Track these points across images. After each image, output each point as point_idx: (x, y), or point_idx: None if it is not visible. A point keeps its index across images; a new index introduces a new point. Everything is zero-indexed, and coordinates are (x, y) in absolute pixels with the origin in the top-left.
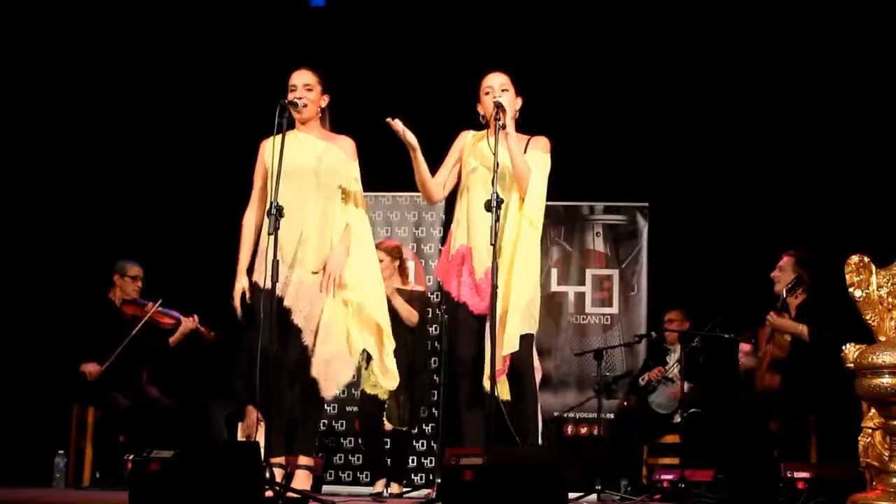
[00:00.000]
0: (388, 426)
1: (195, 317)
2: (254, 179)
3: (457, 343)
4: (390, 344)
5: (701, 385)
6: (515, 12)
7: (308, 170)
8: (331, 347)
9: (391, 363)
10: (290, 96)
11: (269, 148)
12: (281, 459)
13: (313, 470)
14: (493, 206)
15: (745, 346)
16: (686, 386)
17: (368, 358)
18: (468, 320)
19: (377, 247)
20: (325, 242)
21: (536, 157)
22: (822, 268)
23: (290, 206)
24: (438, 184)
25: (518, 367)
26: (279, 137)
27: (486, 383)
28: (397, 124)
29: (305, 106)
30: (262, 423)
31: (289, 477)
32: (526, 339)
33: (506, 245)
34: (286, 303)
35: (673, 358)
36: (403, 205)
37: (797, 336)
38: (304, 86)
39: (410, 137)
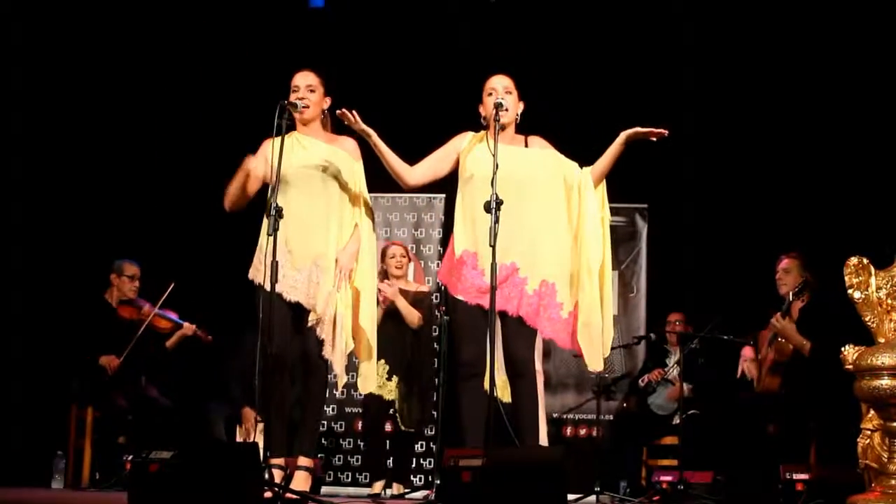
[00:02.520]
0: (389, 427)
1: (194, 326)
2: (246, 160)
3: (464, 343)
4: (367, 350)
5: (700, 386)
6: (515, 12)
7: (314, 175)
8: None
9: (368, 369)
10: (293, 97)
11: (270, 147)
12: (280, 461)
13: (312, 471)
14: (493, 206)
15: (747, 352)
16: (686, 388)
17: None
18: (481, 322)
19: (395, 244)
20: (339, 244)
21: (555, 155)
22: (823, 269)
23: (299, 212)
24: (413, 169)
25: (517, 367)
26: (279, 138)
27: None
28: (349, 116)
29: (307, 107)
30: (261, 424)
31: (288, 478)
32: (528, 340)
33: (595, 250)
34: (298, 302)
35: (672, 359)
36: (402, 206)
37: (797, 348)
38: (307, 87)
39: (364, 126)
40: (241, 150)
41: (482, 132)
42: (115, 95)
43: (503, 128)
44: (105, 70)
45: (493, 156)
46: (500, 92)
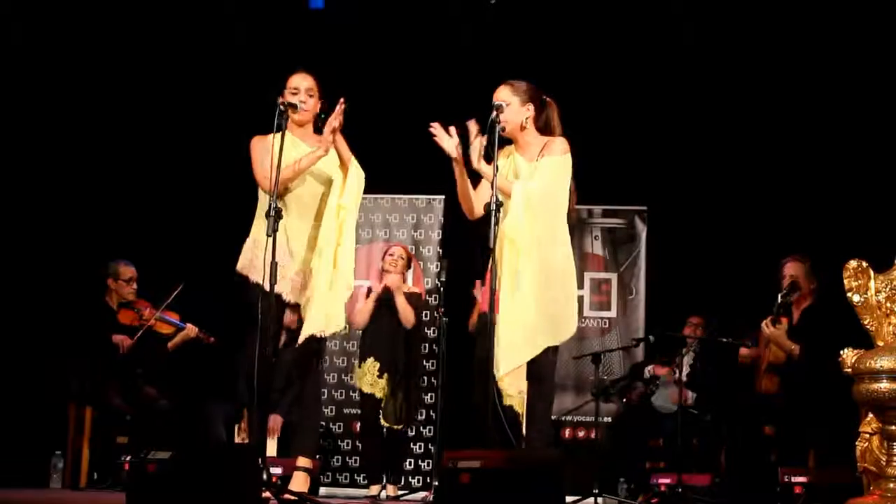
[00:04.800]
0: (384, 423)
1: (196, 328)
2: (259, 179)
3: (479, 340)
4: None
5: (702, 392)
6: (514, 15)
7: (310, 177)
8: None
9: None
10: (292, 98)
11: (265, 146)
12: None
13: (311, 472)
14: (493, 208)
15: (744, 352)
16: (691, 396)
17: (361, 358)
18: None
19: (398, 245)
20: (333, 244)
21: (546, 163)
22: (823, 273)
23: (296, 214)
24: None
25: (536, 371)
26: (278, 137)
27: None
28: (436, 131)
29: (307, 110)
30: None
31: (286, 478)
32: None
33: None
34: (296, 304)
35: (684, 360)
36: (402, 207)
37: (787, 352)
38: (307, 90)
39: (447, 146)
40: (241, 150)
41: (506, 147)
42: (115, 96)
43: (503, 129)
44: (105, 70)
45: (493, 158)
46: (496, 106)
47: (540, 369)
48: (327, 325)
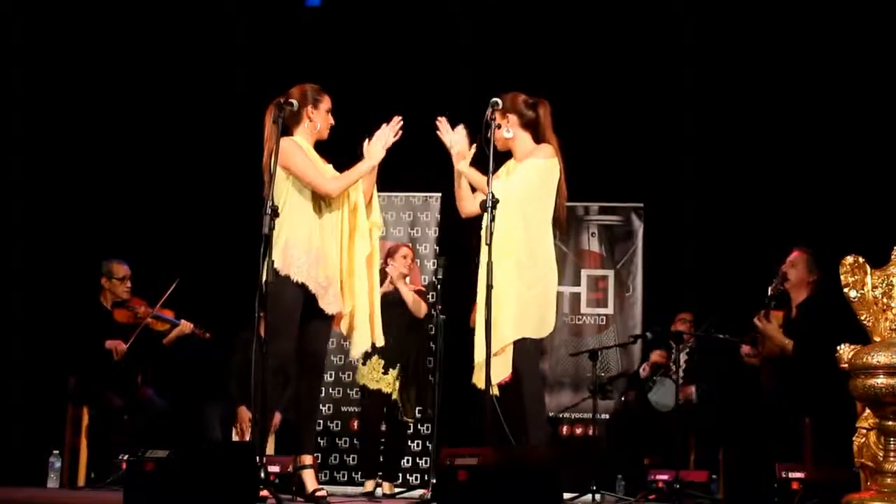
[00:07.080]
0: (384, 427)
1: (191, 324)
2: (307, 168)
3: None
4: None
5: (704, 387)
6: (513, 11)
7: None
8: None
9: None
10: (329, 116)
11: (300, 147)
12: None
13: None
14: (489, 205)
15: (746, 349)
16: (694, 390)
17: (367, 356)
18: None
19: (406, 246)
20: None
21: (526, 165)
22: (821, 268)
23: (325, 214)
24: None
25: (518, 366)
26: (296, 139)
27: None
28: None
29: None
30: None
31: (284, 477)
32: (520, 341)
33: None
34: (308, 300)
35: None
36: (399, 205)
37: (781, 347)
38: None
39: (448, 140)
40: (238, 147)
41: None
42: (114, 95)
43: (498, 126)
44: (104, 70)
45: (489, 155)
46: (492, 103)
47: (521, 364)
48: (377, 339)
